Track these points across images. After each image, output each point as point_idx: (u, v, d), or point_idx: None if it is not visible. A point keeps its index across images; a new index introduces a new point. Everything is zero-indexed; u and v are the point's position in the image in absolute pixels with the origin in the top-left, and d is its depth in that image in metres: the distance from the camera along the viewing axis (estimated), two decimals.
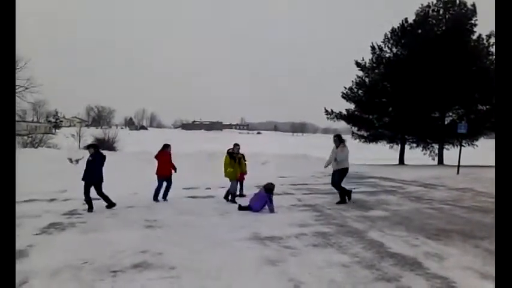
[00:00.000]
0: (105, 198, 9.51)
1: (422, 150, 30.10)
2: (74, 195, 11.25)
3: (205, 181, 14.45)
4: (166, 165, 10.83)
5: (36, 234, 6.78)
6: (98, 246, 6.06)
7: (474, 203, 10.36)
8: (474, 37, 27.31)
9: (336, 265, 5.10)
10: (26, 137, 30.91)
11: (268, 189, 9.20)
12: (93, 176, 9.31)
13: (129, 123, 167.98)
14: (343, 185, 10.41)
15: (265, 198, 9.08)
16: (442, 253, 5.65)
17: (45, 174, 14.77)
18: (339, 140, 10.38)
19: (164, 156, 10.89)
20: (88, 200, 9.18)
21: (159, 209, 9.30)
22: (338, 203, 10.12)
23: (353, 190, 11.18)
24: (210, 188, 13.16)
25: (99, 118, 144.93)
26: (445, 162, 28.22)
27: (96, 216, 8.55)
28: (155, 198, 10.52)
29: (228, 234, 6.79)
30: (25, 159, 15.61)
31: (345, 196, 10.30)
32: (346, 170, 10.31)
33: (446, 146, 28.86)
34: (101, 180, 9.48)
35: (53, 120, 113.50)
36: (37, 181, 13.25)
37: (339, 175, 10.25)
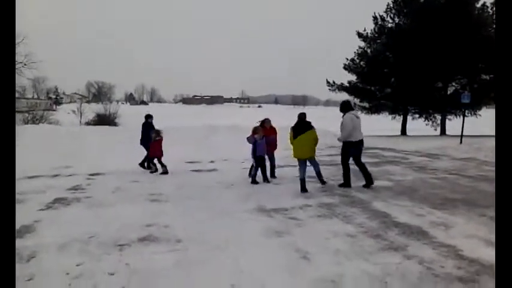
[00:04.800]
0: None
1: (425, 121, 29.98)
2: (77, 171, 11.29)
3: (208, 155, 14.42)
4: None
5: (42, 210, 6.79)
6: (104, 220, 6.06)
7: (478, 172, 10.35)
8: (478, 5, 26.82)
9: (342, 235, 5.11)
10: (26, 114, 30.82)
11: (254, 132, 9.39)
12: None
13: (130, 99, 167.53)
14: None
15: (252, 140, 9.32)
16: (448, 222, 5.65)
17: (47, 150, 14.76)
18: (340, 109, 8.94)
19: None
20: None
21: (163, 183, 9.28)
22: (340, 185, 8.68)
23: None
24: (213, 162, 13.14)
25: (99, 94, 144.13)
26: (447, 132, 28.16)
27: (100, 191, 8.55)
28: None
29: (234, 206, 6.81)
30: (26, 135, 15.58)
31: (348, 178, 8.67)
32: (346, 144, 8.64)
33: (448, 116, 28.75)
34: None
35: (53, 96, 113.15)
36: (40, 157, 13.24)
37: (341, 151, 8.80)
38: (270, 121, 10.29)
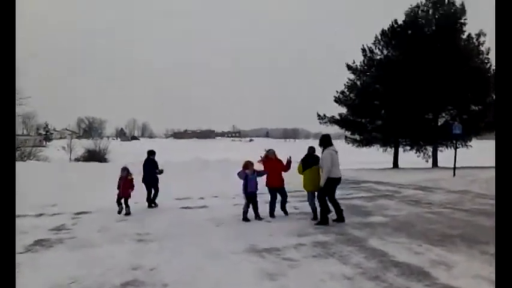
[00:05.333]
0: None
1: (416, 153, 29.93)
2: (63, 209, 10.92)
3: (198, 190, 14.11)
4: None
5: (21, 253, 6.42)
6: (87, 263, 5.72)
7: (474, 205, 10.16)
8: (464, 36, 27.27)
9: (338, 277, 4.83)
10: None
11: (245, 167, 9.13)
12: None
13: (121, 134, 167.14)
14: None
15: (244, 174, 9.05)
16: (449, 261, 5.40)
17: (33, 187, 14.37)
18: (319, 143, 8.68)
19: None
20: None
21: (151, 222, 8.95)
22: (317, 223, 8.26)
23: (349, 196, 10.90)
24: (203, 198, 12.82)
25: (90, 129, 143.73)
26: (439, 164, 28.11)
27: (86, 230, 8.19)
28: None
29: (224, 246, 6.50)
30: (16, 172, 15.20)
31: (326, 215, 8.25)
32: (329, 180, 8.19)
33: (439, 148, 28.76)
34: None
35: (43, 132, 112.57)
36: (25, 195, 12.83)
37: (322, 187, 8.31)
38: (274, 152, 9.75)
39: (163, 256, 6.00)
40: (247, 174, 9.00)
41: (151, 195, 11.25)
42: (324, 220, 8.23)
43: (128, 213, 9.97)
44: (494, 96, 25.67)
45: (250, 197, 8.97)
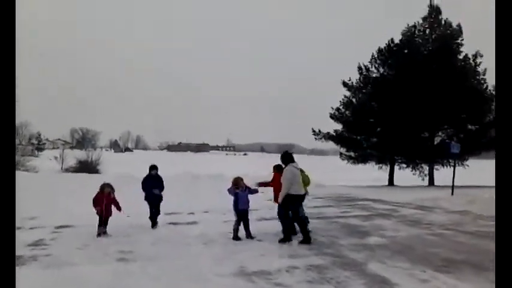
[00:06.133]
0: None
1: (412, 171, 29.59)
2: (44, 223, 10.36)
3: (188, 205, 13.58)
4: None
5: None
6: (59, 286, 5.20)
7: (477, 227, 9.67)
8: (461, 57, 27.22)
9: None
10: None
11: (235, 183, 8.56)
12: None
13: (114, 145, 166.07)
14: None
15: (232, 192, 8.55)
16: None
17: (17, 199, 13.79)
18: (281, 160, 8.56)
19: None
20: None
21: (136, 238, 8.36)
22: (280, 240, 7.97)
23: (344, 214, 10.41)
24: (193, 213, 12.28)
25: (83, 140, 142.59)
26: (435, 182, 27.75)
27: (64, 247, 7.63)
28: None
29: (210, 268, 5.98)
30: None
31: (289, 232, 8.13)
32: (287, 197, 7.99)
33: (436, 167, 28.45)
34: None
35: (36, 142, 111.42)
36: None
37: (280, 204, 8.21)
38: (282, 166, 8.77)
39: (141, 280, 5.46)
40: (238, 191, 8.49)
41: (154, 213, 9.82)
42: (287, 237, 8.03)
43: (100, 234, 8.84)
44: (491, 117, 25.56)
45: (241, 214, 8.45)
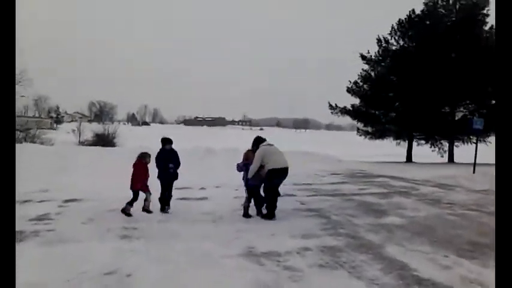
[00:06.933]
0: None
1: (431, 147, 28.85)
2: (52, 196, 10.16)
3: (200, 180, 13.27)
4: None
5: None
6: (56, 264, 4.90)
7: None
8: (486, 28, 26.01)
9: None
10: (18, 132, 29.70)
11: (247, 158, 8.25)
12: None
13: (132, 119, 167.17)
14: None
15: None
16: (483, 278, 4.46)
17: (27, 171, 13.65)
18: (252, 146, 8.45)
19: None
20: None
21: (143, 215, 8.04)
22: (263, 216, 7.85)
23: (361, 192, 9.96)
24: (204, 188, 11.98)
25: (101, 113, 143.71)
26: (455, 159, 27.00)
27: (69, 222, 7.38)
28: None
29: (217, 249, 5.64)
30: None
31: (273, 209, 7.86)
32: (271, 172, 7.79)
33: (456, 143, 27.65)
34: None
35: (54, 115, 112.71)
36: (18, 179, 12.08)
37: (265, 180, 7.96)
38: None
39: (144, 259, 5.14)
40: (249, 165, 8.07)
41: (166, 195, 8.69)
42: (271, 213, 7.84)
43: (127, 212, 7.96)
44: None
45: (252, 190, 8.07)
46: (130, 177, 8.06)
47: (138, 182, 8.02)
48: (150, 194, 8.25)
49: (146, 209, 8.20)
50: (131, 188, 8.00)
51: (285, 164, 7.94)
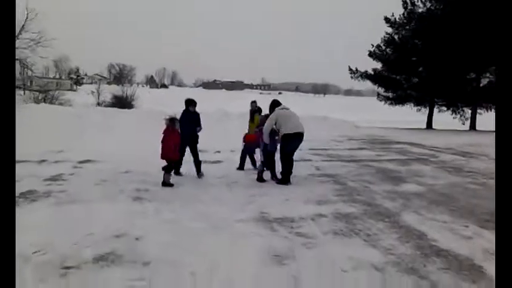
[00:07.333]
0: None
1: (452, 114, 28.17)
2: (68, 157, 10.21)
3: (216, 143, 13.15)
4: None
5: None
6: (64, 225, 4.84)
7: None
8: None
9: (365, 266, 3.77)
10: (37, 93, 29.89)
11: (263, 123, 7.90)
12: None
13: (151, 81, 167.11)
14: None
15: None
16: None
17: (45, 132, 13.73)
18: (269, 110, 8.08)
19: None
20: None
21: (156, 177, 7.95)
22: (278, 181, 7.66)
23: (379, 158, 9.70)
24: (219, 152, 11.88)
25: (120, 76, 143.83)
26: (477, 127, 26.35)
27: (82, 183, 7.37)
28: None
29: (230, 213, 5.52)
30: (25, 115, 14.55)
31: (288, 175, 7.68)
32: (285, 136, 7.60)
33: (479, 111, 26.86)
34: None
35: (74, 77, 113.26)
36: (33, 140, 12.16)
37: (281, 146, 7.82)
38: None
39: (155, 222, 5.06)
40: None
41: (196, 162, 8.40)
42: (286, 179, 7.64)
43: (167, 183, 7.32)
44: None
45: (268, 155, 7.90)
46: (160, 144, 7.41)
47: (170, 150, 7.30)
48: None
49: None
50: (162, 157, 7.37)
51: (300, 129, 7.68)
